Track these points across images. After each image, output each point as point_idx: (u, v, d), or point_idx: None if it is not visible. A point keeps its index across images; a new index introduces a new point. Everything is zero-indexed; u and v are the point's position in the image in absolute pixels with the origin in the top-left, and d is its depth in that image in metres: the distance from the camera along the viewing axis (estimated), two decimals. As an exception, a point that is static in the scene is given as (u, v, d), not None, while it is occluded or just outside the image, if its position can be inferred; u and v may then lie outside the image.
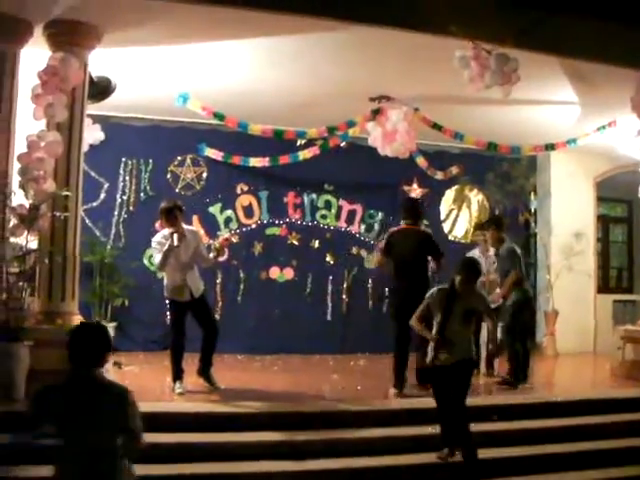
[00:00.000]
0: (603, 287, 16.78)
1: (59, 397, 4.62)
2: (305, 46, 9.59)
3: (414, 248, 9.55)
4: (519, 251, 10.76)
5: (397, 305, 9.71)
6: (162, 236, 9.20)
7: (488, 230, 11.15)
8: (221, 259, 9.20)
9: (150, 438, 7.10)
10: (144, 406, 7.90)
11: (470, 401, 7.65)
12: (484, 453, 7.54)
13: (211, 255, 9.49)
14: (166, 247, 8.96)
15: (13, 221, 8.33)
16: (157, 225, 13.04)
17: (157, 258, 9.13)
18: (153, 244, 9.30)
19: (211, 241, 10.53)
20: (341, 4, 8.21)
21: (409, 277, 9.43)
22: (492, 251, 11.41)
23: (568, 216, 15.41)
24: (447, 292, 7.40)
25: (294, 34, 9.16)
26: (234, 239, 9.29)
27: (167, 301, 9.69)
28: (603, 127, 12.50)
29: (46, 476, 5.08)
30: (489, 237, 11.05)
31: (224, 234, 10.15)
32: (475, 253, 11.56)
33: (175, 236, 8.93)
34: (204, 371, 9.43)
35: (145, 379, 10.21)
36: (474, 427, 7.51)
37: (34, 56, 8.84)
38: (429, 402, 7.80)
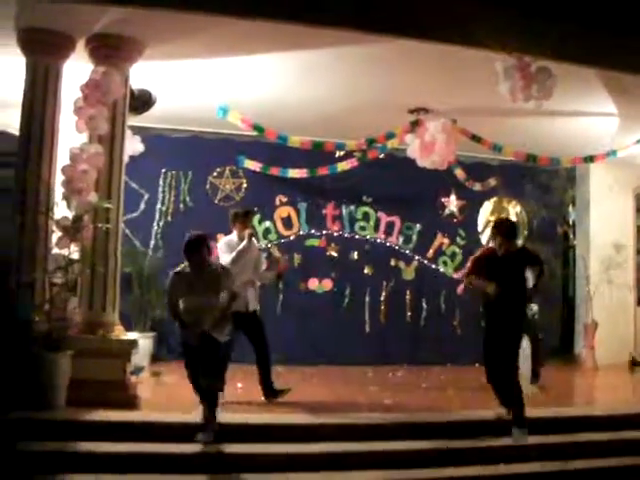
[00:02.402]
0: (643, 299, 16.63)
1: (183, 275, 8.09)
2: (339, 59, 9.64)
3: None
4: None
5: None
6: (230, 239, 9.62)
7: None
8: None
9: (186, 448, 7.32)
10: (183, 416, 8.10)
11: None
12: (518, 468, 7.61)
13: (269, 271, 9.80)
14: (242, 246, 9.33)
15: (57, 233, 8.45)
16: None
17: (227, 257, 9.31)
18: (221, 245, 9.62)
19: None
20: (376, 18, 8.22)
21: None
22: None
23: (607, 228, 15.29)
24: None
25: (329, 47, 9.21)
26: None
27: None
28: (643, 139, 12.43)
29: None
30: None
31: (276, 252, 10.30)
32: None
33: (254, 237, 9.48)
34: (265, 385, 9.47)
35: (183, 389, 10.24)
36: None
37: (76, 70, 8.99)
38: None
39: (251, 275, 9.52)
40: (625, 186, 15.66)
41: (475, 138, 12.30)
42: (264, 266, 9.79)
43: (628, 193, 15.81)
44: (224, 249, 9.45)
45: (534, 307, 11.55)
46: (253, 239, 9.41)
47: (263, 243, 13.40)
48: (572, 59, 8.81)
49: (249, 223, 9.73)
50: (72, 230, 8.29)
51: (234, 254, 9.25)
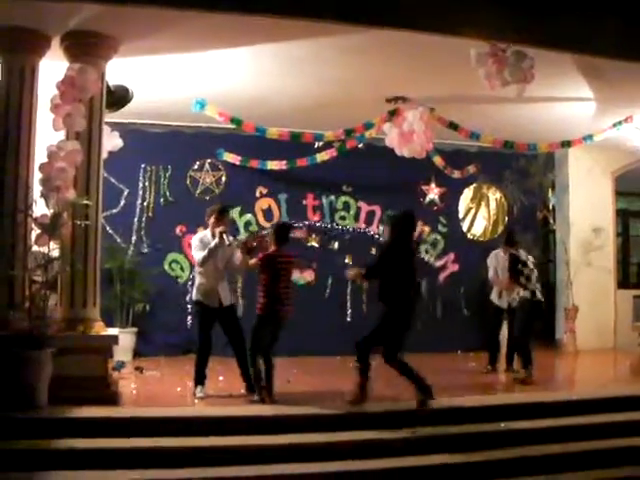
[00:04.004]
0: (623, 282, 16.77)
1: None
2: (316, 50, 9.67)
3: None
4: (523, 257, 11.18)
5: None
6: (203, 235, 9.58)
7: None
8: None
9: (172, 442, 7.34)
10: (165, 411, 8.14)
11: (490, 399, 7.72)
12: (504, 453, 7.66)
13: (238, 255, 9.57)
14: (212, 244, 9.25)
15: (36, 230, 8.45)
16: (177, 230, 13.25)
17: (199, 255, 9.32)
18: (195, 241, 9.58)
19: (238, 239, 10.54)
20: (350, 8, 8.24)
21: None
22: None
23: (587, 211, 15.42)
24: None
25: (305, 39, 9.25)
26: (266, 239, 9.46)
27: (194, 305, 9.78)
28: (619, 123, 12.45)
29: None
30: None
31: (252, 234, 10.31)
32: (499, 253, 11.94)
33: (225, 235, 9.26)
34: (246, 378, 9.46)
35: (166, 383, 10.32)
36: (493, 427, 7.64)
37: (52, 67, 8.97)
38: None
39: (224, 271, 9.53)
40: (604, 169, 15.77)
41: (452, 126, 12.36)
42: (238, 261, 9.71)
43: (607, 176, 15.92)
44: (198, 246, 9.43)
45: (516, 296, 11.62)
46: (224, 236, 9.29)
47: (244, 236, 13.41)
48: (546, 44, 8.86)
49: (225, 220, 9.64)
50: (51, 227, 8.28)
51: (205, 252, 9.25)
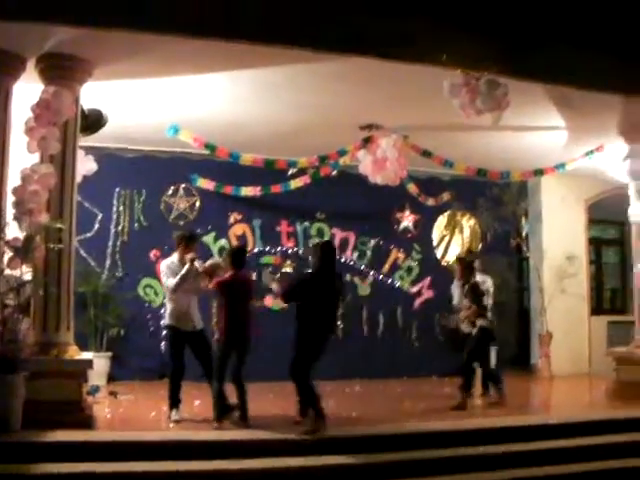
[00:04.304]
0: (597, 309, 16.86)
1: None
2: (291, 77, 9.73)
3: None
4: (485, 286, 11.64)
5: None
6: (171, 262, 9.55)
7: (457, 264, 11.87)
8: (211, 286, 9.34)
9: (146, 467, 7.30)
10: (139, 435, 8.09)
11: (465, 424, 7.72)
12: (479, 477, 7.67)
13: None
14: (184, 271, 9.24)
15: (8, 254, 8.40)
16: (152, 255, 13.21)
17: (171, 281, 9.31)
18: (163, 268, 9.56)
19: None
20: (325, 37, 8.30)
21: None
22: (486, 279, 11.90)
23: (560, 239, 15.52)
24: None
25: (280, 65, 9.29)
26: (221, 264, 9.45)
27: (166, 330, 9.70)
28: (591, 152, 12.61)
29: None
30: (457, 271, 11.72)
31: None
32: (455, 283, 12.14)
33: (197, 261, 9.32)
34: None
35: (141, 407, 10.27)
36: (469, 451, 7.63)
37: (27, 90, 8.93)
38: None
39: (194, 296, 9.52)
40: (577, 198, 15.92)
41: (426, 154, 12.46)
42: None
43: (580, 205, 16.07)
44: (167, 273, 9.42)
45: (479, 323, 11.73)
46: (195, 263, 9.31)
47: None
48: (519, 74, 8.94)
49: (194, 246, 9.69)
50: (23, 251, 8.24)
51: (177, 279, 9.24)
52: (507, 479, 7.96)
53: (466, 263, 11.52)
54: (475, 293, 11.01)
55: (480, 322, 10.90)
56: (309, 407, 8.92)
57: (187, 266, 9.25)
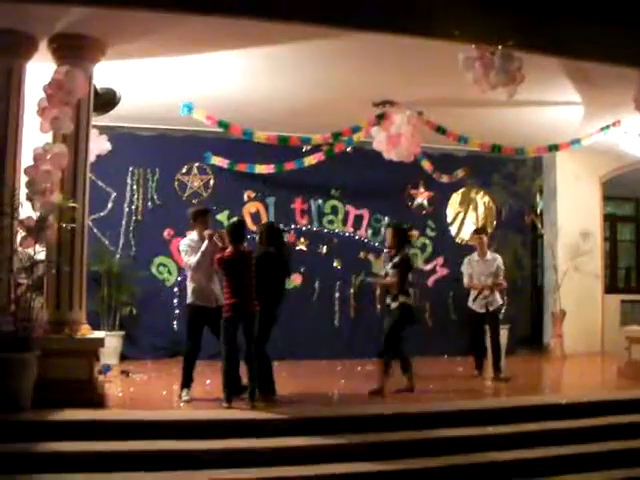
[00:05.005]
0: (611, 287, 16.79)
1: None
2: (304, 53, 9.69)
3: None
4: (495, 264, 11.84)
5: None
6: (190, 239, 9.63)
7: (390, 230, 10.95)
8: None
9: (155, 445, 7.33)
10: (150, 414, 8.12)
11: (473, 404, 7.73)
12: (491, 456, 7.68)
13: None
14: (204, 247, 9.30)
15: (21, 233, 8.43)
16: (165, 233, 13.23)
17: (192, 258, 9.37)
18: (182, 247, 9.62)
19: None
20: (339, 12, 8.25)
21: None
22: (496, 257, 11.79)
23: (574, 216, 15.43)
24: None
25: (293, 42, 9.26)
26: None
27: (189, 308, 9.65)
28: (607, 127, 12.50)
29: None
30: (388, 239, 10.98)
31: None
32: (474, 257, 11.90)
33: (215, 237, 9.27)
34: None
35: (152, 386, 10.32)
36: (475, 431, 7.65)
37: (40, 70, 8.94)
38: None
39: (214, 272, 9.52)
40: (592, 174, 15.80)
41: (440, 130, 12.40)
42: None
43: (595, 181, 15.95)
44: (188, 251, 9.46)
45: (498, 300, 11.71)
46: (214, 238, 9.29)
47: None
48: (534, 48, 8.86)
49: (208, 221, 9.73)
50: (36, 230, 8.27)
51: (199, 256, 9.28)
52: (516, 459, 7.96)
53: (400, 231, 10.71)
54: (404, 266, 10.32)
55: (402, 299, 10.24)
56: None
57: (206, 242, 9.28)
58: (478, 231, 12.69)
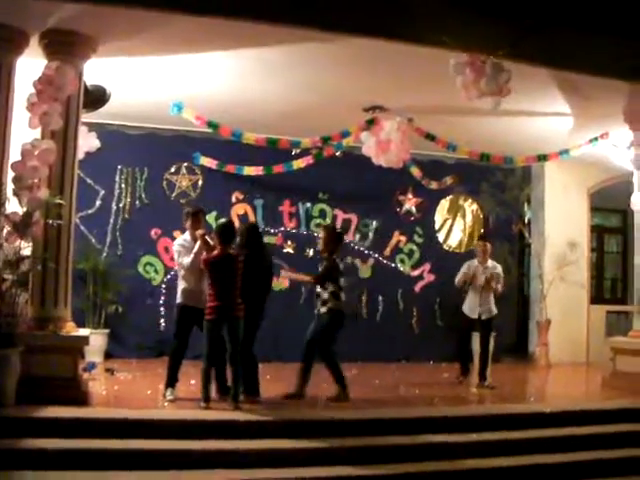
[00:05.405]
0: (597, 297, 16.90)
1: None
2: (295, 56, 9.71)
3: None
4: (495, 272, 11.84)
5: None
6: (183, 240, 9.60)
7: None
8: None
9: (138, 444, 7.30)
10: (134, 413, 8.09)
11: (458, 410, 7.72)
12: (472, 464, 7.68)
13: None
14: (197, 248, 9.21)
15: (6, 228, 8.39)
16: (152, 233, 13.21)
17: (185, 259, 9.29)
18: (176, 247, 9.59)
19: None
20: (332, 16, 8.25)
21: None
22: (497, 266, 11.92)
23: (562, 226, 15.49)
24: None
25: (284, 44, 9.27)
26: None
27: (179, 308, 9.52)
28: (595, 139, 12.54)
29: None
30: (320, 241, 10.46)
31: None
32: (474, 262, 11.87)
33: (207, 237, 9.24)
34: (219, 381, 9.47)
35: (137, 385, 10.28)
36: (459, 438, 7.64)
37: (30, 65, 8.91)
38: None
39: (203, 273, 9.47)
40: (580, 185, 15.88)
41: (429, 137, 12.41)
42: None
43: (582, 192, 16.03)
44: (181, 251, 9.40)
45: (494, 310, 11.73)
46: (207, 238, 9.25)
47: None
48: (525, 58, 8.88)
49: (201, 221, 9.69)
50: (22, 225, 8.23)
51: (192, 256, 9.21)
52: (499, 467, 7.95)
53: (334, 234, 10.41)
54: (327, 273, 9.96)
55: (331, 304, 9.89)
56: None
57: (199, 242, 9.24)
58: (483, 238, 12.67)
